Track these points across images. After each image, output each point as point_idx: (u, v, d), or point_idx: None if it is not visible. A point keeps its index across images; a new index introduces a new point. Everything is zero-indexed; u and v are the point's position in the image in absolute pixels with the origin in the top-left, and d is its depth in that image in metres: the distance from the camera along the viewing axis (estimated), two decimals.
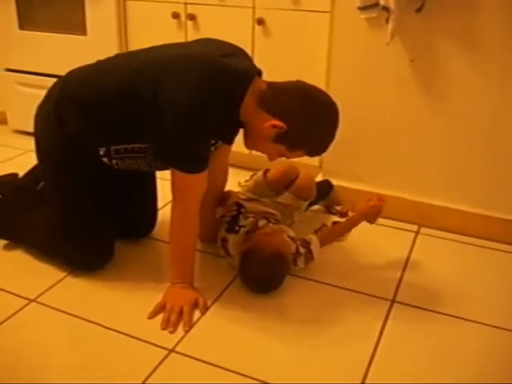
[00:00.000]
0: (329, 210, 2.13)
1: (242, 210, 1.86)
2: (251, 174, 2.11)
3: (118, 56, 1.75)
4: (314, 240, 1.82)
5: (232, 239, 1.80)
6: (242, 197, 1.96)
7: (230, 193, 1.97)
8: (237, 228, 1.80)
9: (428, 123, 2.02)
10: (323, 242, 1.85)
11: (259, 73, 1.66)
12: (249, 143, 1.66)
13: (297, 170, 2.04)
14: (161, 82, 1.50)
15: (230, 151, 1.88)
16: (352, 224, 1.92)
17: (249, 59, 1.69)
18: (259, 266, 1.67)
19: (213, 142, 1.62)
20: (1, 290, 1.69)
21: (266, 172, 2.05)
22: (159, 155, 1.60)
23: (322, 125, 1.59)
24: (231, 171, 1.97)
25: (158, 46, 1.68)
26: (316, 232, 1.87)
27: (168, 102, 1.48)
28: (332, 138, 1.62)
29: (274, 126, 1.54)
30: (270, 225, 1.83)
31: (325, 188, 2.18)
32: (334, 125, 1.61)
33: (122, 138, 1.63)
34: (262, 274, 1.68)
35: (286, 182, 2.05)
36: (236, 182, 2.02)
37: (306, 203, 2.04)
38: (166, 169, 1.62)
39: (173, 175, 1.58)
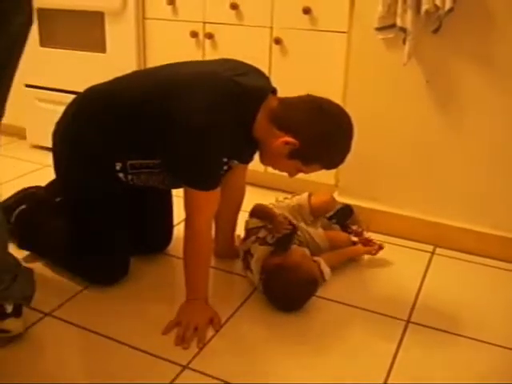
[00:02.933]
0: (345, 229, 2.12)
1: (298, 232, 1.86)
2: (281, 194, 2.16)
3: (134, 73, 1.78)
4: (322, 261, 1.83)
5: (259, 253, 1.79)
6: (277, 211, 1.97)
7: (270, 209, 1.97)
8: (287, 247, 1.78)
9: (444, 143, 2.02)
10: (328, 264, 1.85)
11: (274, 91, 1.67)
12: (265, 160, 1.67)
13: (337, 202, 2.10)
14: (174, 100, 1.52)
15: (247, 170, 1.89)
16: (351, 256, 1.98)
17: (264, 78, 1.70)
18: (293, 284, 1.67)
19: (225, 160, 1.63)
20: None
21: (310, 196, 2.06)
22: (172, 172, 1.62)
23: (335, 137, 1.57)
24: (248, 189, 1.97)
25: (173, 64, 1.70)
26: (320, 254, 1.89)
27: (181, 120, 1.49)
28: (347, 149, 1.59)
29: (287, 143, 1.54)
30: (295, 246, 1.82)
31: (345, 213, 2.17)
32: (347, 135, 1.59)
33: (137, 153, 1.65)
34: (294, 292, 1.68)
35: (328, 211, 2.08)
36: (253, 199, 2.03)
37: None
38: (180, 187, 1.63)
39: (185, 193, 1.59)
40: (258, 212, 1.95)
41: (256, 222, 1.92)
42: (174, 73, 1.63)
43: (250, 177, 1.97)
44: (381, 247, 1.99)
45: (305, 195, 2.08)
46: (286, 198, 2.10)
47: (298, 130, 1.54)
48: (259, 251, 1.79)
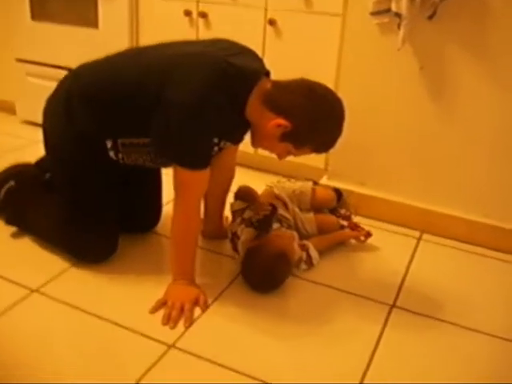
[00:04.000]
0: (333, 213, 2.13)
1: (278, 213, 1.87)
2: (272, 176, 2.20)
3: (127, 51, 1.76)
4: (311, 245, 1.86)
5: (245, 235, 1.80)
6: (276, 192, 1.98)
7: (251, 190, 1.98)
8: (267, 228, 1.80)
9: (436, 130, 2.03)
10: (317, 249, 1.88)
11: (267, 73, 1.67)
12: (256, 142, 1.67)
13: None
14: (167, 80, 1.52)
15: (237, 150, 1.89)
16: (339, 241, 2.00)
17: (258, 60, 1.70)
18: (262, 261, 1.69)
19: (216, 140, 1.62)
20: (3, 279, 1.70)
21: (314, 188, 2.07)
22: (162, 150, 1.61)
23: (327, 120, 1.57)
24: (238, 170, 1.97)
25: (166, 43, 1.69)
26: (308, 238, 1.92)
27: (173, 99, 1.49)
28: (338, 133, 1.60)
29: (279, 125, 1.54)
30: (283, 229, 1.84)
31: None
32: (339, 120, 1.59)
33: (129, 131, 1.65)
34: (262, 270, 1.69)
35: (329, 207, 2.09)
36: (243, 180, 2.03)
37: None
38: (171, 165, 1.63)
39: (175, 171, 1.59)
40: (241, 194, 1.96)
41: (240, 204, 1.93)
42: (167, 53, 1.62)
43: (240, 158, 1.97)
44: (369, 234, 2.00)
45: (309, 184, 2.09)
46: (288, 180, 2.11)
47: (291, 112, 1.54)
48: (245, 233, 1.80)
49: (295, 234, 1.86)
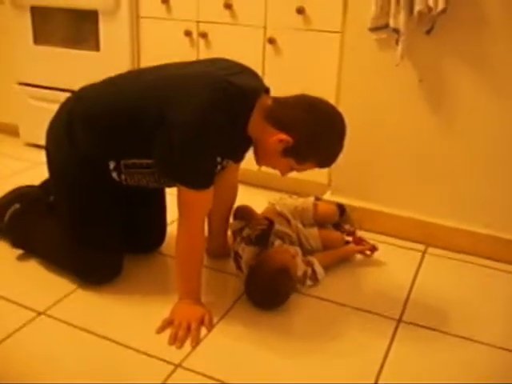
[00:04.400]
0: (337, 228, 2.13)
1: (275, 228, 1.87)
2: (275, 193, 2.19)
3: (128, 74, 1.78)
4: (316, 261, 1.86)
5: (246, 254, 1.80)
6: (278, 209, 1.99)
7: (248, 208, 1.98)
8: (265, 243, 1.80)
9: (437, 143, 2.03)
10: (321, 264, 1.88)
11: (267, 90, 1.69)
12: (259, 159, 1.68)
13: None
14: (168, 101, 1.53)
15: (239, 168, 1.90)
16: (345, 257, 2.00)
17: (257, 78, 1.71)
18: (262, 278, 1.69)
19: (219, 159, 1.63)
20: (10, 302, 1.70)
21: (316, 203, 2.08)
22: (165, 171, 1.62)
23: (328, 135, 1.58)
24: (239, 188, 1.98)
25: (166, 65, 1.71)
26: (313, 254, 1.92)
27: (175, 120, 1.50)
28: (340, 147, 1.61)
29: (281, 141, 1.55)
30: (285, 246, 1.84)
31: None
32: (340, 134, 1.61)
33: (131, 152, 1.65)
34: (264, 286, 1.69)
35: (332, 221, 2.09)
36: (246, 197, 2.03)
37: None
38: (174, 185, 1.63)
39: (179, 192, 1.60)
40: (239, 213, 1.97)
41: (238, 223, 1.94)
42: (168, 74, 1.64)
43: (243, 176, 1.98)
44: (375, 248, 2.00)
45: (311, 199, 2.09)
46: (290, 197, 2.11)
47: (293, 127, 1.55)
48: (246, 252, 1.81)
49: (298, 249, 1.86)
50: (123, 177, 1.70)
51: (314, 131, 1.55)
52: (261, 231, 1.84)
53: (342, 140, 1.61)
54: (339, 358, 1.54)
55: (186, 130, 1.49)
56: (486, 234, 2.04)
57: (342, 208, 2.11)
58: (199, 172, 1.57)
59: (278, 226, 1.89)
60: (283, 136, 1.55)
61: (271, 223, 1.87)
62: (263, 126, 1.58)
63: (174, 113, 1.51)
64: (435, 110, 2.00)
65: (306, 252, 1.93)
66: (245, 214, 1.95)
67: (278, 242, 1.83)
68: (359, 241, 2.02)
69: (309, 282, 1.82)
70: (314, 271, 1.83)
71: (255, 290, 1.73)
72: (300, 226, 1.98)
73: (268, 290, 1.69)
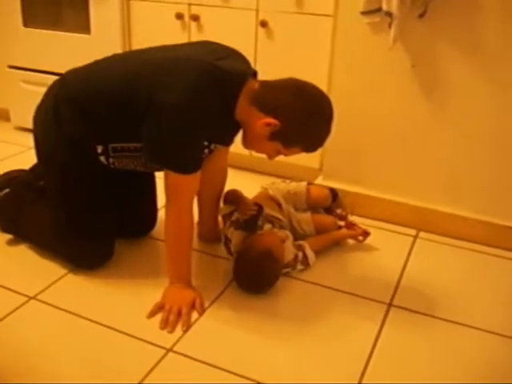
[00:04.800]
0: (329, 213, 2.13)
1: (264, 212, 1.87)
2: (267, 178, 2.19)
3: (114, 57, 1.75)
4: (307, 245, 1.86)
5: (235, 239, 1.81)
6: (271, 193, 1.99)
7: (237, 192, 1.98)
8: (254, 228, 1.81)
9: (429, 128, 2.03)
10: (313, 249, 1.89)
11: (255, 74, 1.67)
12: (246, 143, 1.67)
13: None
14: (155, 85, 1.52)
15: (228, 152, 1.90)
16: (336, 240, 2.00)
17: (244, 61, 1.70)
18: (247, 262, 1.70)
19: (206, 143, 1.63)
20: (1, 287, 1.70)
21: (308, 187, 2.07)
22: (152, 156, 1.61)
23: (315, 119, 1.58)
24: (231, 172, 1.97)
25: (153, 48, 1.70)
26: (304, 238, 1.93)
27: (161, 104, 1.49)
28: (327, 132, 1.61)
29: (268, 124, 1.55)
30: (275, 230, 1.84)
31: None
32: (327, 118, 1.60)
33: (118, 137, 1.65)
34: (250, 270, 1.70)
35: (325, 205, 2.09)
36: (238, 182, 2.03)
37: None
38: (161, 170, 1.63)
39: (166, 176, 1.60)
40: (229, 197, 1.96)
41: (228, 208, 1.94)
42: (155, 57, 1.62)
43: (235, 160, 1.98)
44: (367, 233, 2.00)
45: (303, 184, 2.09)
46: (283, 182, 2.11)
47: (279, 111, 1.54)
48: (235, 236, 1.82)
49: (289, 233, 1.86)
50: (111, 160, 1.69)
51: (301, 115, 1.55)
52: (250, 216, 1.84)
53: (330, 124, 1.60)
54: (330, 341, 1.55)
55: (172, 113, 1.49)
56: (478, 220, 2.05)
57: (334, 193, 2.11)
58: (186, 156, 1.56)
59: (269, 211, 1.89)
60: (270, 120, 1.54)
61: (260, 208, 1.87)
62: (250, 110, 1.57)
63: (161, 97, 1.50)
64: (428, 95, 2.00)
65: (299, 237, 1.93)
66: (234, 198, 1.95)
67: (267, 227, 1.83)
68: (351, 225, 2.03)
69: (300, 266, 1.83)
70: (305, 255, 1.83)
71: (241, 275, 1.74)
72: (292, 210, 1.98)
73: (254, 274, 1.70)
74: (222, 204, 1.98)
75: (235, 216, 1.87)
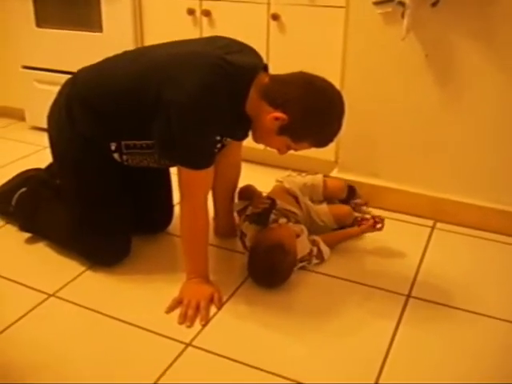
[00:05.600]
0: (347, 203, 2.12)
1: (277, 206, 1.87)
2: (282, 171, 2.17)
3: (124, 54, 1.75)
4: (321, 241, 1.86)
5: (250, 233, 1.81)
6: (287, 186, 1.99)
7: (251, 187, 1.98)
8: (266, 221, 1.81)
9: (443, 118, 2.01)
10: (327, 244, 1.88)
11: (265, 68, 1.66)
12: (256, 137, 1.67)
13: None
14: (165, 81, 1.52)
15: (242, 146, 1.89)
16: (349, 237, 1.97)
17: (255, 55, 1.69)
18: (258, 256, 1.71)
19: (218, 138, 1.63)
20: (20, 285, 1.72)
21: (325, 179, 2.08)
22: (164, 152, 1.61)
23: (325, 113, 1.56)
24: (247, 167, 1.97)
25: (164, 44, 1.70)
26: (324, 230, 1.93)
27: (171, 101, 1.49)
28: (337, 127, 1.59)
29: (276, 119, 1.54)
30: (290, 224, 1.84)
31: (349, 194, 2.16)
32: (337, 113, 1.58)
33: (130, 134, 1.65)
34: (261, 264, 1.70)
35: (341, 197, 2.09)
36: (253, 176, 2.03)
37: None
38: (175, 165, 1.63)
39: (179, 172, 1.60)
40: (243, 193, 1.97)
41: (242, 203, 1.95)
42: (165, 53, 1.62)
43: (250, 154, 1.98)
44: (379, 220, 1.94)
45: (320, 176, 2.09)
46: (298, 175, 2.11)
47: (288, 105, 1.53)
48: (249, 230, 1.82)
49: (304, 228, 1.85)
50: (125, 157, 1.69)
51: (310, 109, 1.53)
52: (262, 210, 1.84)
53: (340, 119, 1.58)
54: (348, 335, 1.55)
55: (183, 109, 1.49)
56: (494, 209, 2.03)
57: (352, 189, 2.10)
58: (198, 152, 1.56)
59: (284, 204, 1.89)
60: (278, 114, 1.53)
61: (273, 202, 1.87)
62: (260, 104, 1.56)
63: (171, 92, 1.50)
64: (442, 85, 1.98)
65: (318, 228, 1.93)
66: (248, 193, 1.95)
67: (282, 221, 1.83)
68: (360, 221, 1.99)
69: (315, 261, 1.82)
70: (319, 250, 1.83)
71: (254, 269, 1.74)
72: (309, 202, 1.98)
73: (265, 267, 1.70)
74: (236, 200, 1.98)
75: (249, 210, 1.88)
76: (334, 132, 1.60)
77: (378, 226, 1.94)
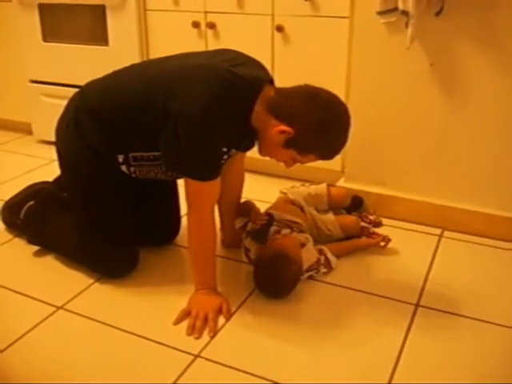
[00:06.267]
0: (362, 219, 2.12)
1: (274, 222, 1.87)
2: (288, 182, 2.20)
3: (132, 67, 1.77)
4: (328, 250, 1.86)
5: (253, 248, 1.83)
6: (291, 197, 2.01)
7: (249, 203, 1.99)
8: (264, 237, 1.81)
9: (450, 126, 2.01)
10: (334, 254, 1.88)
11: (271, 81, 1.67)
12: (262, 151, 1.67)
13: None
14: (172, 93, 1.53)
15: (245, 156, 1.90)
16: (356, 248, 1.97)
17: (261, 68, 1.70)
18: (262, 266, 1.72)
19: (225, 149, 1.63)
20: (29, 298, 1.72)
21: (329, 188, 2.09)
22: (171, 164, 1.61)
23: (330, 126, 1.55)
24: (252, 177, 1.97)
25: (170, 57, 1.71)
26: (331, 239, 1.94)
27: (179, 112, 1.50)
28: (343, 139, 1.59)
29: (282, 132, 1.54)
30: (294, 234, 1.84)
31: (355, 203, 2.18)
32: (343, 126, 1.58)
33: (138, 146, 1.66)
34: (266, 274, 1.70)
35: (344, 205, 2.11)
36: (259, 187, 2.03)
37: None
38: (182, 177, 1.64)
39: (186, 183, 1.61)
40: (241, 210, 1.98)
41: (242, 220, 1.97)
42: (171, 66, 1.63)
43: (255, 165, 1.98)
44: (386, 239, 1.96)
45: (323, 185, 2.10)
46: (302, 185, 2.12)
47: (294, 118, 1.54)
48: (253, 246, 1.84)
49: (309, 237, 1.85)
50: (132, 169, 1.70)
51: (316, 122, 1.53)
52: (260, 226, 1.86)
53: (346, 132, 1.58)
54: (358, 345, 1.54)
55: (189, 122, 1.49)
56: (501, 216, 2.03)
57: (359, 199, 2.11)
58: (204, 164, 1.56)
59: (284, 215, 1.90)
60: (284, 127, 1.53)
61: (271, 217, 1.88)
62: (265, 117, 1.57)
63: (178, 106, 1.51)
64: (447, 93, 1.98)
65: (325, 238, 1.93)
66: (246, 210, 1.97)
67: (285, 231, 1.83)
68: (370, 234, 2.01)
69: (323, 269, 1.82)
70: (327, 259, 1.82)
71: (260, 280, 1.74)
72: (315, 212, 1.98)
73: (270, 276, 1.70)
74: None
75: (249, 226, 1.90)
76: (340, 144, 1.60)
77: (382, 243, 1.95)
